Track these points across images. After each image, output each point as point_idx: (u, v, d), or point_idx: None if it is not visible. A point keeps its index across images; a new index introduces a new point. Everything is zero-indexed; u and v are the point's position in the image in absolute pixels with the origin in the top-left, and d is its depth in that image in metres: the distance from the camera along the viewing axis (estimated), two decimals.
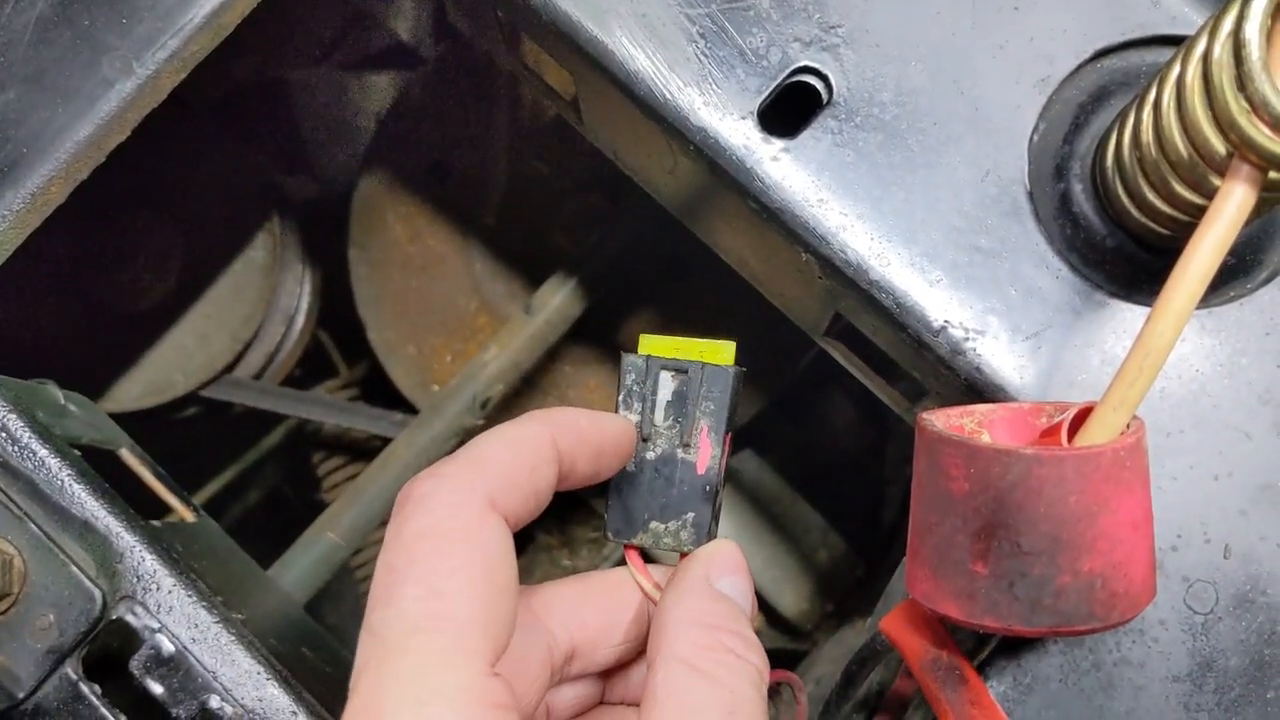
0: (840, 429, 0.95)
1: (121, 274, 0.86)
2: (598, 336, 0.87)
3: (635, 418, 0.42)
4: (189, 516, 0.57)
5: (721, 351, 0.42)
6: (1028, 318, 0.45)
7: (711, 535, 0.43)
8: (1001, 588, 0.37)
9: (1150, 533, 0.38)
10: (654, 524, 0.42)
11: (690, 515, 0.42)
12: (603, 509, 0.44)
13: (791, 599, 0.90)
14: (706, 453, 0.42)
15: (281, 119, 0.98)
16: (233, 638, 0.46)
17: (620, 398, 0.42)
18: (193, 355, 0.86)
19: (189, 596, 0.47)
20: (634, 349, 0.43)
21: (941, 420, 0.42)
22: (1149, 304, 0.45)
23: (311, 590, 0.74)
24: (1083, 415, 0.39)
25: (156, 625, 0.46)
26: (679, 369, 0.42)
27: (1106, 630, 0.38)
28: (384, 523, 0.92)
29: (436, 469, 0.36)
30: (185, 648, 0.46)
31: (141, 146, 0.88)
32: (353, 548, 0.76)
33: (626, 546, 0.44)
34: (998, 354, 0.45)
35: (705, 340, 0.42)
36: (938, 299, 0.46)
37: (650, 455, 0.42)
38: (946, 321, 0.45)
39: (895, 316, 0.46)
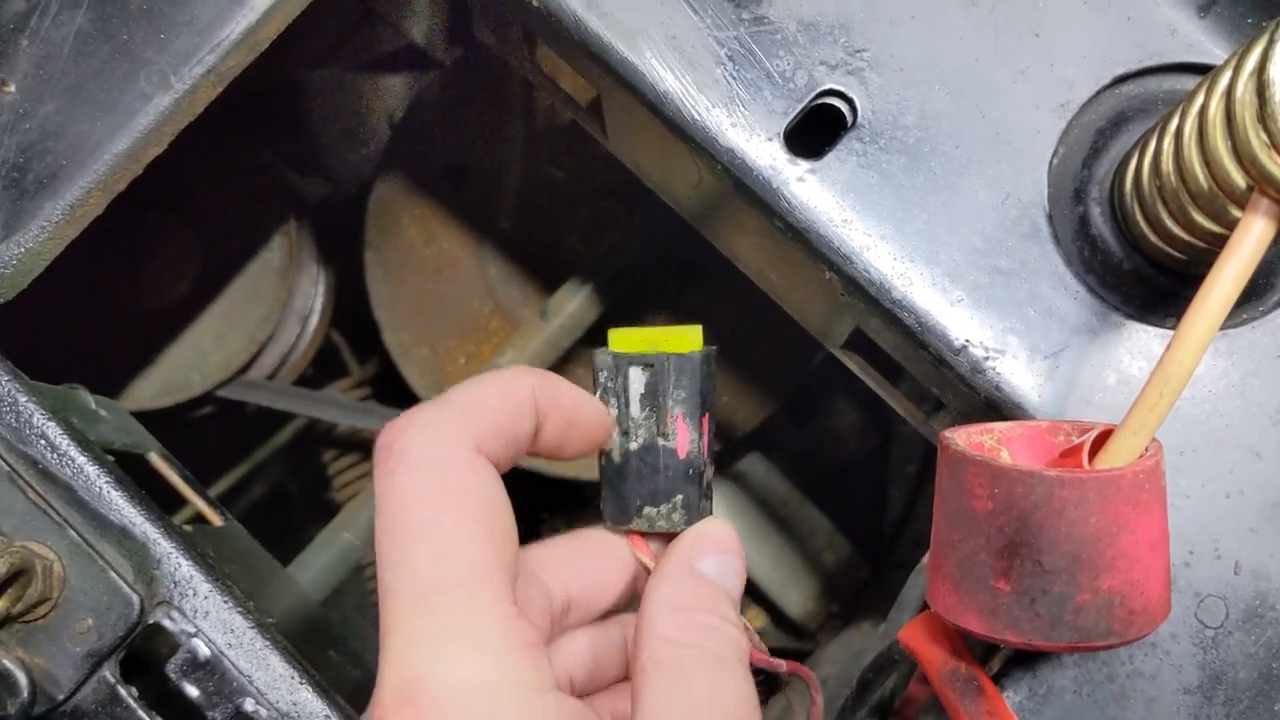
0: (846, 433, 0.96)
1: (139, 275, 0.87)
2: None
3: (614, 412, 0.43)
4: (216, 520, 0.58)
5: (688, 338, 0.43)
6: (1046, 338, 0.47)
7: (703, 512, 0.44)
8: (1023, 604, 0.39)
9: (1166, 551, 0.40)
10: (647, 509, 0.43)
11: (679, 497, 0.43)
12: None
13: (797, 600, 0.91)
14: (684, 438, 0.43)
15: (297, 121, 0.99)
16: (267, 642, 0.47)
17: (597, 395, 0.43)
18: (209, 355, 0.86)
19: (224, 601, 0.48)
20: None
21: (963, 438, 0.43)
22: (1165, 326, 0.47)
23: (327, 590, 0.75)
24: (1103, 437, 0.40)
25: (193, 630, 0.47)
26: (647, 363, 0.43)
27: (1124, 645, 0.40)
28: None
29: (413, 418, 0.36)
30: (221, 652, 0.47)
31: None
32: (367, 547, 0.77)
33: (628, 533, 0.45)
34: (1017, 373, 0.46)
35: (672, 328, 0.43)
36: (959, 318, 0.47)
37: (633, 446, 0.43)
38: (967, 340, 0.47)
39: (917, 335, 0.47)
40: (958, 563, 0.40)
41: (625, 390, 0.43)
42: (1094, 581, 0.38)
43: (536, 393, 0.39)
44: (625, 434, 0.43)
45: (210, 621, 0.48)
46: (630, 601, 0.45)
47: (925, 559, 0.58)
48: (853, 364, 0.57)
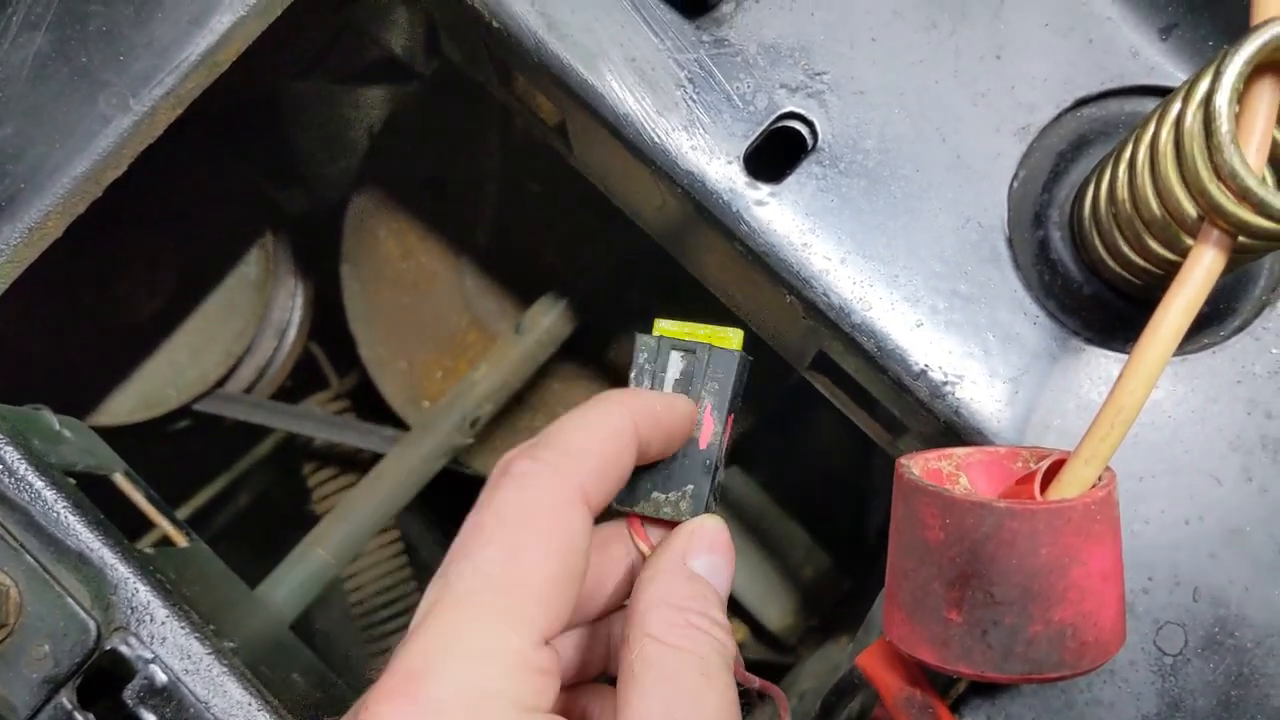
0: (826, 446, 0.96)
1: (114, 288, 0.87)
2: (588, 354, 0.88)
3: None
4: (181, 541, 0.58)
5: (730, 338, 0.44)
6: (1006, 363, 0.46)
7: (709, 508, 0.44)
8: (975, 635, 0.38)
9: (1120, 582, 0.39)
10: (655, 494, 0.44)
11: (690, 487, 0.44)
12: None
13: (776, 614, 0.91)
14: (709, 429, 0.44)
15: (274, 133, 0.99)
16: (225, 669, 0.47)
17: (632, 375, 0.44)
18: (185, 370, 0.86)
19: (182, 627, 0.47)
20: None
21: (919, 464, 0.43)
22: (1124, 351, 0.46)
23: (300, 607, 0.75)
24: (1056, 466, 0.40)
25: (150, 656, 0.47)
26: (688, 349, 0.44)
27: (1077, 677, 0.40)
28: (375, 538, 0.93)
29: (534, 451, 0.37)
30: (178, 678, 0.47)
31: (135, 161, 0.88)
32: (342, 564, 0.76)
33: (629, 515, 0.45)
34: (976, 398, 0.46)
35: (715, 327, 0.44)
36: (918, 343, 0.47)
37: None
38: (926, 365, 0.46)
39: (876, 359, 0.47)
40: (911, 592, 0.40)
41: (662, 372, 0.44)
42: (1045, 613, 0.38)
43: (639, 425, 0.40)
44: None
45: (168, 647, 0.47)
46: (625, 598, 0.45)
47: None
48: (821, 386, 0.57)
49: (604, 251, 0.82)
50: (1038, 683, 0.39)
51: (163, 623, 0.48)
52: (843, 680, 0.52)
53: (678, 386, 0.44)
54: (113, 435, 0.89)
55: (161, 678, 0.47)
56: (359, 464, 0.96)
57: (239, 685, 0.47)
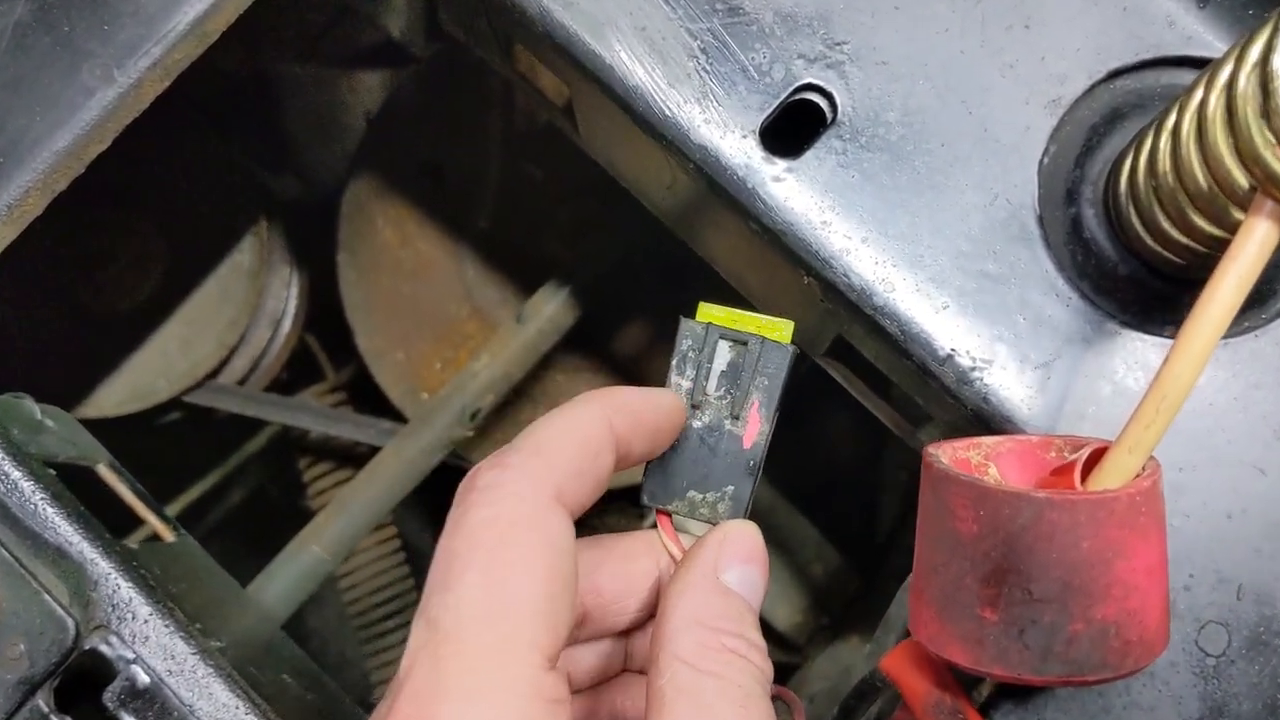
0: (836, 440, 0.93)
1: (103, 276, 0.84)
2: (592, 345, 0.85)
3: (687, 383, 0.42)
4: (168, 536, 0.55)
5: (780, 329, 0.42)
6: (1037, 347, 0.44)
7: (746, 515, 0.42)
8: (1011, 635, 0.36)
9: (1165, 578, 0.37)
10: (692, 493, 0.42)
11: (730, 488, 0.41)
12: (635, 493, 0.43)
13: (786, 612, 0.88)
14: (755, 427, 0.41)
15: (269, 117, 0.96)
16: (210, 669, 0.45)
17: (674, 362, 0.42)
18: (176, 361, 0.84)
19: (165, 626, 0.45)
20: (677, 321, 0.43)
21: (948, 454, 0.41)
22: (1162, 334, 0.44)
23: (294, 605, 0.72)
24: (1096, 455, 0.37)
25: (131, 656, 0.45)
26: (738, 340, 0.42)
27: (1119, 679, 0.37)
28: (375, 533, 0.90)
29: (500, 459, 0.35)
30: (161, 680, 0.44)
31: (124, 143, 0.86)
32: (337, 561, 0.74)
33: (659, 512, 0.43)
34: (1006, 384, 0.44)
35: (764, 316, 0.42)
36: (944, 326, 0.44)
37: (697, 424, 0.42)
38: (953, 350, 0.44)
39: (900, 343, 0.45)
40: (941, 588, 0.38)
41: (709, 363, 0.42)
42: (1087, 611, 0.35)
43: (614, 422, 0.37)
44: (695, 408, 0.42)
45: (150, 647, 0.45)
46: (652, 613, 0.42)
47: (910, 579, 0.56)
48: (836, 373, 0.55)
49: (609, 238, 0.80)
50: (1077, 685, 0.37)
51: (145, 621, 0.45)
52: (863, 683, 0.50)
53: (724, 380, 0.42)
54: (101, 427, 0.87)
55: (144, 679, 0.44)
56: (356, 458, 0.93)
57: (225, 687, 0.44)
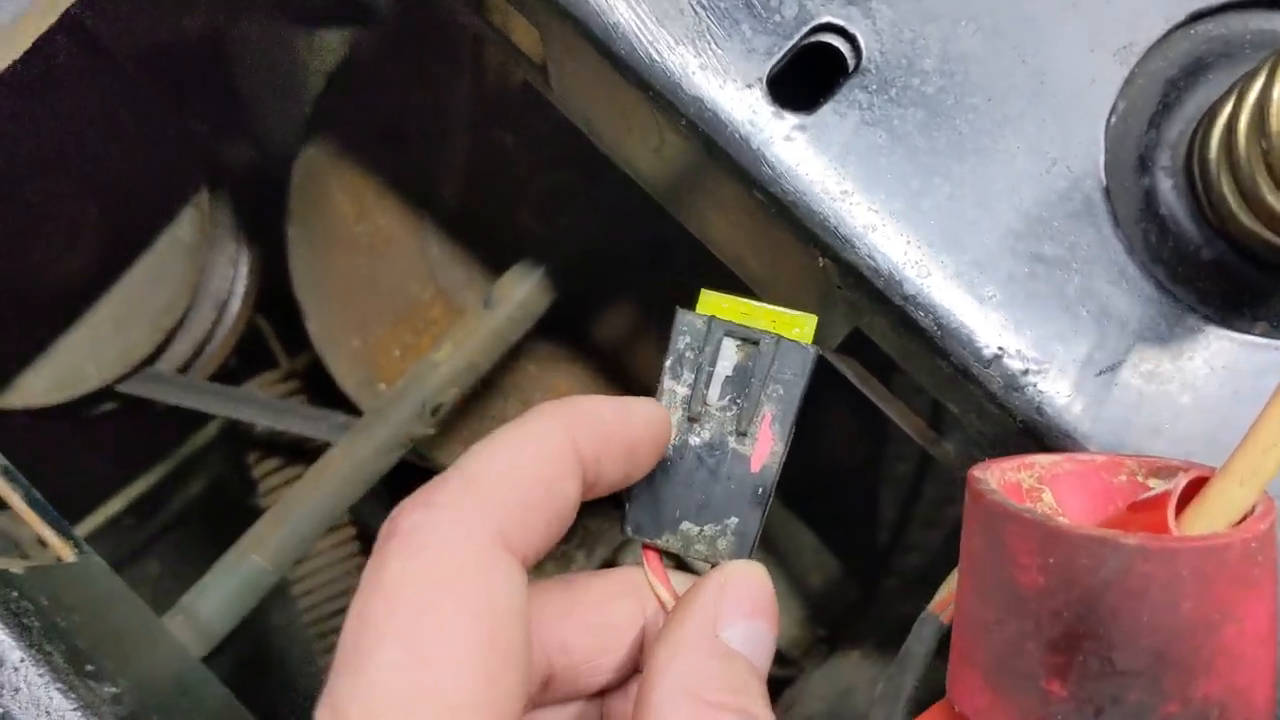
0: (837, 442, 0.86)
1: (27, 250, 0.76)
2: (569, 333, 0.78)
3: (684, 390, 0.35)
4: (68, 554, 0.47)
5: (798, 325, 0.35)
6: (1102, 347, 0.36)
7: (753, 553, 0.35)
8: (1085, 715, 0.28)
9: (1275, 645, 0.29)
10: (686, 525, 0.35)
11: (733, 521, 0.34)
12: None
13: (782, 625, 0.81)
14: (766, 447, 0.34)
15: (218, 77, 0.88)
16: None
17: (668, 363, 0.35)
18: (107, 344, 0.76)
19: (40, 675, 0.37)
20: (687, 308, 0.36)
21: (995, 476, 0.33)
22: (1252, 331, 0.36)
23: (234, 620, 0.64)
24: (1194, 487, 0.30)
25: None
26: (748, 339, 0.34)
27: None
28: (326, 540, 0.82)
29: (429, 495, 0.29)
30: None
31: (54, 102, 0.77)
32: (282, 570, 0.66)
33: (645, 547, 0.35)
34: (1064, 391, 0.36)
35: (779, 309, 0.35)
36: (990, 321, 0.36)
37: (695, 440, 0.34)
38: (1001, 349, 0.36)
39: (935, 341, 0.37)
40: (994, 652, 0.30)
41: (710, 365, 0.34)
42: (1185, 688, 0.28)
43: (578, 440, 0.30)
44: (691, 420, 0.34)
45: (21, 701, 0.37)
46: (632, 670, 0.35)
47: (931, 605, 0.48)
48: (850, 371, 0.47)
49: (588, 213, 0.72)
50: None
51: (15, 668, 0.37)
52: None
53: (729, 387, 0.34)
54: (28, 419, 0.79)
55: None
56: (310, 452, 0.86)
57: None
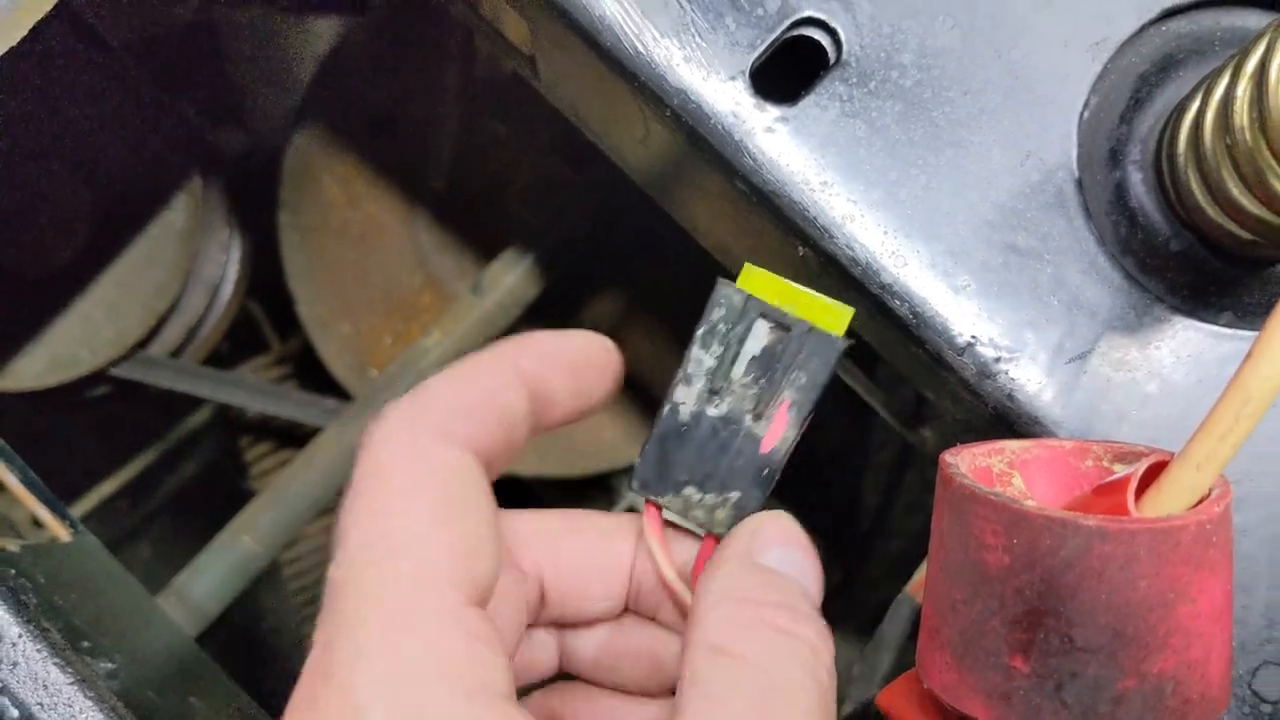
0: (821, 429, 0.87)
1: (21, 235, 0.77)
2: (558, 318, 0.78)
3: (711, 360, 0.35)
4: (64, 534, 0.48)
5: (833, 315, 0.35)
6: (1073, 335, 0.37)
7: None
8: (1046, 690, 0.30)
9: (1230, 622, 0.31)
10: (689, 490, 0.35)
11: (735, 495, 0.35)
12: (625, 486, 0.37)
13: None
14: (779, 431, 0.35)
15: (211, 64, 0.88)
16: (90, 700, 0.38)
17: (700, 332, 0.35)
18: (101, 328, 0.76)
19: (38, 650, 0.38)
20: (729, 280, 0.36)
21: (966, 461, 0.34)
22: (1218, 321, 0.37)
23: (225, 601, 0.65)
24: (1153, 471, 0.31)
25: None
26: (781, 322, 0.35)
27: None
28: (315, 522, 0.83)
29: (387, 407, 0.32)
30: (32, 715, 0.38)
31: (49, 88, 0.78)
32: (272, 554, 0.67)
33: (648, 503, 0.36)
34: (1035, 378, 0.37)
35: (818, 295, 0.35)
36: (964, 309, 0.37)
37: (712, 411, 0.35)
38: (974, 337, 0.37)
39: (911, 328, 0.38)
40: (961, 630, 0.31)
41: (740, 342, 0.35)
42: (1140, 664, 0.29)
43: (519, 360, 0.34)
44: (713, 392, 0.35)
45: (19, 675, 0.38)
46: (616, 613, 0.37)
47: (908, 587, 0.49)
48: None
49: (577, 201, 0.73)
50: None
51: (14, 644, 0.38)
52: (855, 716, 0.44)
53: (754, 366, 0.35)
54: (22, 401, 0.80)
55: (12, 713, 0.38)
56: (301, 437, 0.86)
57: None
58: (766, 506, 0.36)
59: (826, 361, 0.34)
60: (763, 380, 0.35)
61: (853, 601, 0.87)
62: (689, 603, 0.35)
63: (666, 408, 0.35)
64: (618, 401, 0.74)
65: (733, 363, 0.35)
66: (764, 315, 0.35)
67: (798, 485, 0.87)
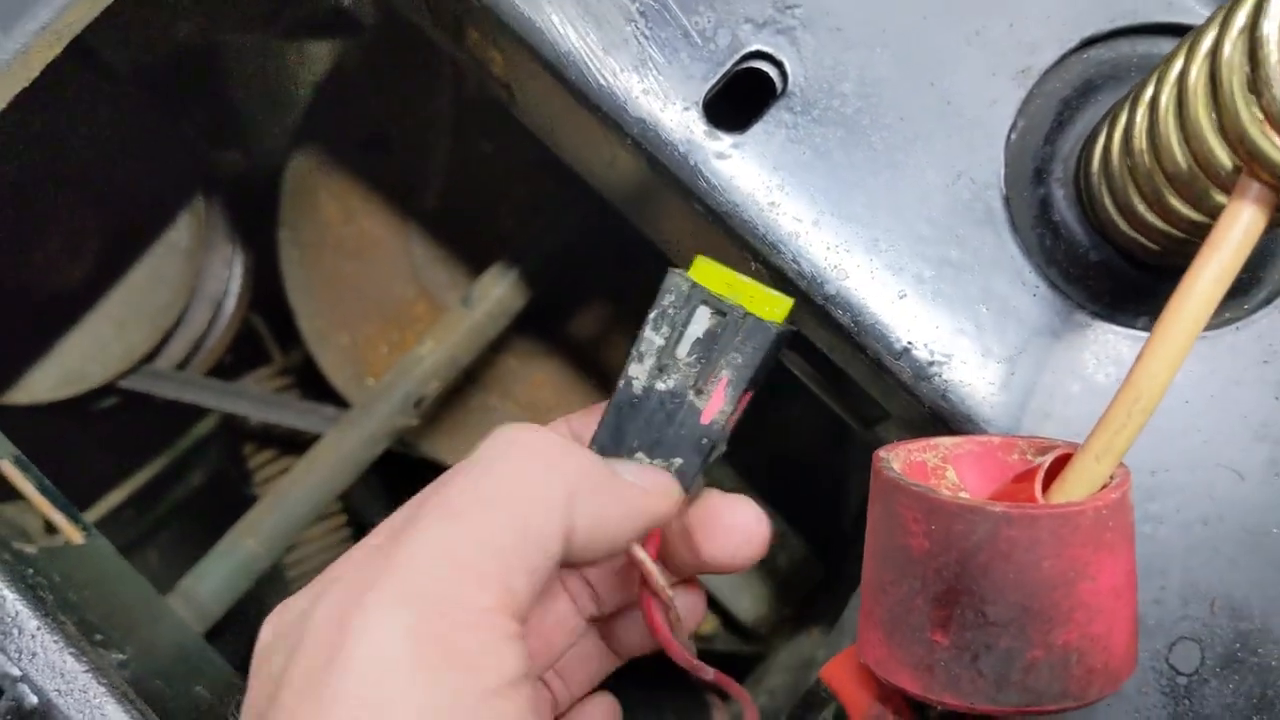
0: (801, 425, 0.90)
1: (33, 255, 0.80)
2: (546, 328, 0.82)
3: (660, 340, 0.39)
4: (77, 538, 0.52)
5: (774, 305, 0.38)
6: (1001, 340, 0.40)
7: (696, 487, 0.39)
8: (964, 661, 0.33)
9: (1133, 598, 0.34)
10: (640, 455, 0.39)
11: (678, 461, 0.38)
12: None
13: (749, 603, 0.85)
14: (716, 404, 0.38)
15: (212, 88, 0.92)
16: (104, 688, 0.41)
17: (652, 315, 0.39)
18: (109, 344, 0.80)
19: (55, 641, 0.42)
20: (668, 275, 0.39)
21: (901, 457, 0.37)
22: (1135, 326, 0.41)
23: (229, 602, 0.69)
24: (1061, 462, 0.34)
25: (18, 674, 0.41)
26: (720, 309, 0.38)
27: (1082, 708, 0.34)
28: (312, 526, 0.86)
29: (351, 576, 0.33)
30: (49, 700, 0.41)
31: (58, 115, 0.81)
32: (274, 556, 0.70)
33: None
34: (967, 380, 0.40)
35: (761, 286, 0.38)
36: (901, 317, 0.41)
37: (660, 385, 0.38)
38: (910, 343, 0.41)
39: (853, 335, 0.41)
40: (889, 609, 0.34)
41: (684, 325, 0.38)
42: (1047, 636, 0.32)
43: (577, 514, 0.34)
44: (660, 370, 0.38)
45: (38, 664, 0.41)
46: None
47: None
48: (792, 364, 0.51)
49: (563, 216, 0.76)
50: (1036, 714, 0.34)
51: (33, 635, 0.42)
52: (810, 692, 0.47)
53: (697, 347, 0.38)
54: (34, 414, 0.83)
55: (31, 699, 0.41)
56: (302, 444, 0.89)
57: (119, 707, 0.41)
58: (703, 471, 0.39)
59: (761, 345, 0.38)
60: (704, 359, 0.38)
61: (834, 597, 0.90)
62: (654, 576, 0.38)
63: (622, 381, 0.39)
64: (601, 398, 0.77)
65: (678, 343, 0.38)
66: (705, 302, 0.38)
67: (782, 485, 0.90)
